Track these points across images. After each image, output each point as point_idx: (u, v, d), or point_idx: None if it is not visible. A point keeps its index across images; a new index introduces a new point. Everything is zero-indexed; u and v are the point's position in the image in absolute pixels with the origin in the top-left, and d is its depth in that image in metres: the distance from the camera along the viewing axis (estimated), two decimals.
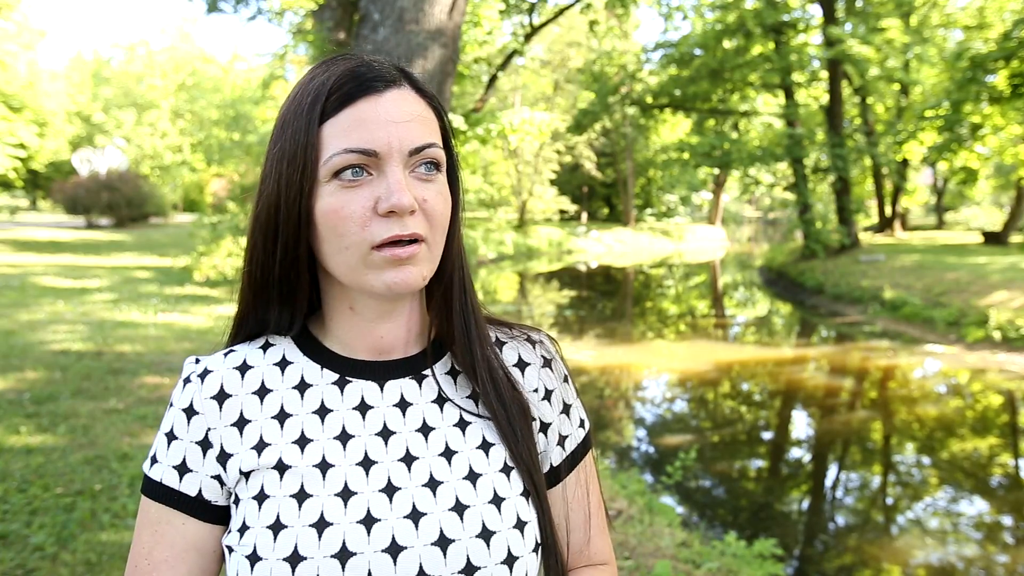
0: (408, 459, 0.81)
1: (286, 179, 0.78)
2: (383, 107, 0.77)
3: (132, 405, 5.52)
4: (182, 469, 0.81)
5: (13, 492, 3.87)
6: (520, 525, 0.81)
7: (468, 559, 0.77)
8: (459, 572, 0.76)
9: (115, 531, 3.49)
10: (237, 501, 0.80)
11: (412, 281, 0.78)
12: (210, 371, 0.84)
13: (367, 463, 0.80)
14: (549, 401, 0.91)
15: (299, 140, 0.77)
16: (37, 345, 7.47)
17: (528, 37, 17.94)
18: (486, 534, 0.78)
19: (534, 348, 0.94)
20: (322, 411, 0.82)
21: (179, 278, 14.18)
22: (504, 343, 0.93)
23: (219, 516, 0.82)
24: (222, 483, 0.81)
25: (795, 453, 7.27)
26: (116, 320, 9.20)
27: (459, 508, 0.79)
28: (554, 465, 0.91)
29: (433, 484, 0.80)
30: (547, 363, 0.93)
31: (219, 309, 10.64)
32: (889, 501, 5.85)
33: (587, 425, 0.96)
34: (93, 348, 7.45)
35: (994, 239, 21.39)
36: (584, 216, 44.92)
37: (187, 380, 0.84)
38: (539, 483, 0.85)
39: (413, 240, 0.77)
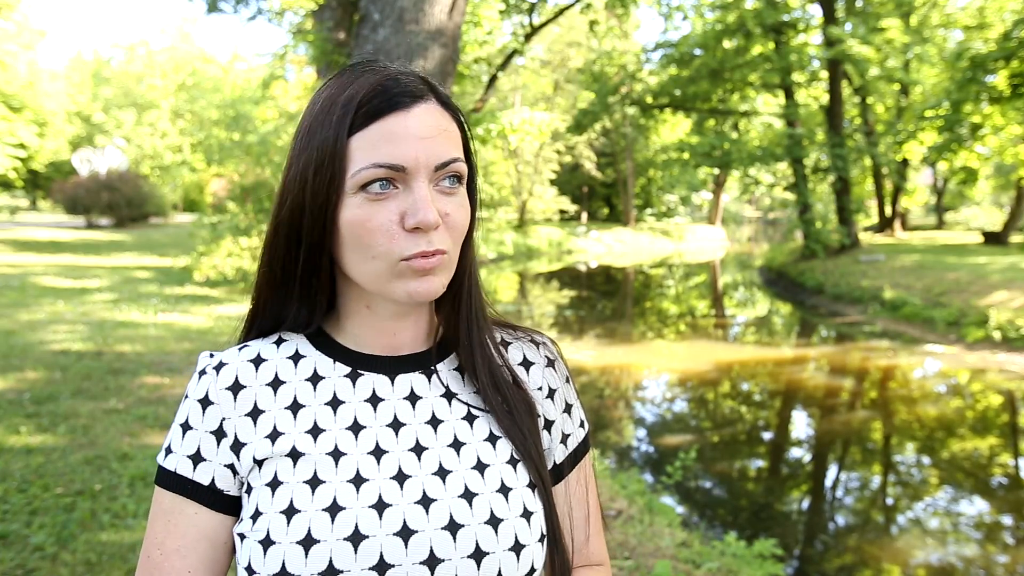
0: (418, 449, 0.84)
1: (312, 188, 0.80)
2: (411, 123, 0.79)
3: (132, 405, 5.52)
4: (196, 458, 0.83)
5: (13, 492, 3.87)
6: (527, 515, 0.83)
7: (477, 544, 0.79)
8: (468, 556, 0.79)
9: (115, 531, 3.49)
10: (249, 490, 0.82)
11: (433, 291, 0.81)
12: (225, 364, 0.86)
13: (378, 452, 0.83)
14: (552, 400, 0.95)
15: (326, 151, 0.79)
16: (37, 345, 7.47)
17: (528, 37, 17.94)
18: (494, 521, 0.81)
19: (538, 349, 0.97)
20: (334, 402, 0.85)
21: (179, 278, 14.19)
22: (509, 343, 0.96)
23: (231, 506, 0.83)
24: (235, 472, 0.83)
25: (795, 453, 7.27)
26: (116, 320, 9.20)
27: (468, 496, 0.82)
28: (557, 463, 0.94)
29: (442, 473, 0.83)
30: (550, 363, 0.97)
31: (219, 309, 10.65)
32: (889, 501, 5.85)
33: (587, 426, 0.99)
34: (93, 348, 7.46)
35: (994, 239, 21.40)
36: (584, 216, 44.93)
37: (202, 372, 0.86)
38: (544, 477, 0.88)
39: (436, 253, 0.80)
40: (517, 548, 0.81)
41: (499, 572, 0.79)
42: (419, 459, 0.83)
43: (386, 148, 0.77)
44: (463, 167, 0.82)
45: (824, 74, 21.24)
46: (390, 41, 5.78)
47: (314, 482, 0.79)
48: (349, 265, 0.82)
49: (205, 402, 0.84)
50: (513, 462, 0.86)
